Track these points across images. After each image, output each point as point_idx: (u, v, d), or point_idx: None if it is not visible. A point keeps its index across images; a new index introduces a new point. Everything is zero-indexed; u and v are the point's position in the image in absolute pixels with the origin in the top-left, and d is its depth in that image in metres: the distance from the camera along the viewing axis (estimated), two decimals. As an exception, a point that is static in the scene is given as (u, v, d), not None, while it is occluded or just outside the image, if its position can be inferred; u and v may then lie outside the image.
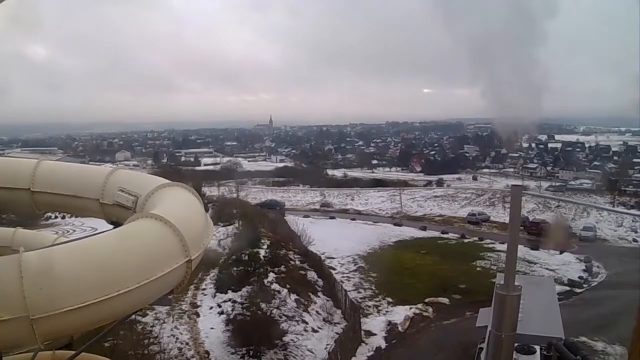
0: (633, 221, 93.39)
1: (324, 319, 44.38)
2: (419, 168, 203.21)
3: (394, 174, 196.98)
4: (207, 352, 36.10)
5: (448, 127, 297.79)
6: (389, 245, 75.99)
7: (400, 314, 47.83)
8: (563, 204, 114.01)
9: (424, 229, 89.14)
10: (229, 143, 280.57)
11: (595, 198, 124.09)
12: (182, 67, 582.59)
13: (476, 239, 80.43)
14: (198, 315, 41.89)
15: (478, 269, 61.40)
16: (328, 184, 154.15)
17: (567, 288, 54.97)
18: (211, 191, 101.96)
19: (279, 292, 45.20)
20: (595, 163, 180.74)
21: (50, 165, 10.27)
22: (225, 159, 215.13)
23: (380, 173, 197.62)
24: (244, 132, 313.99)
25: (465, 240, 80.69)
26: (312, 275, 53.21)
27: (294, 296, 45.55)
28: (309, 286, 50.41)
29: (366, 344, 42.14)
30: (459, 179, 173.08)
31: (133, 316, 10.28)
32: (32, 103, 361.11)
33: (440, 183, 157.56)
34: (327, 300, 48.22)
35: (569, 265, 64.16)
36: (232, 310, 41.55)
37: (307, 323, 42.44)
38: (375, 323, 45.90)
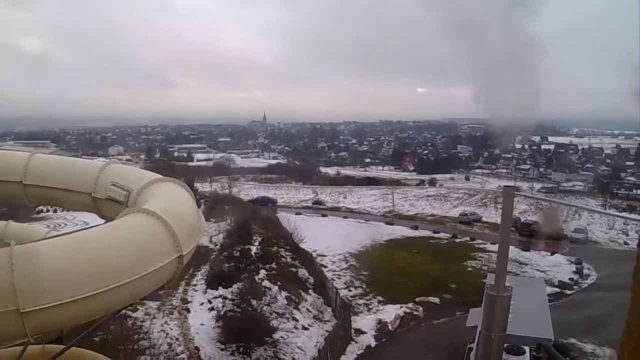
0: (624, 224, 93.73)
1: (314, 317, 44.40)
2: (411, 167, 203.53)
3: (387, 172, 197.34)
4: (197, 348, 36.06)
5: (441, 127, 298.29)
6: (380, 243, 76.03)
7: (391, 312, 47.87)
8: (555, 205, 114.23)
9: (415, 228, 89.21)
10: (222, 139, 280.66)
11: (587, 200, 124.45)
12: (177, 62, 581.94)
13: (468, 239, 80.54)
14: (188, 311, 41.87)
15: (469, 269, 61.51)
16: (321, 182, 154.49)
17: (558, 289, 55.04)
18: (203, 187, 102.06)
19: (269, 289, 45.21)
20: (588, 165, 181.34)
21: (43, 158, 10.24)
22: (218, 155, 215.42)
23: (373, 171, 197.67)
24: (237, 128, 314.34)
25: (457, 240, 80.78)
26: (303, 272, 53.25)
27: (284, 293, 45.57)
28: (300, 283, 50.46)
29: (356, 342, 42.14)
30: (452, 178, 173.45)
31: (123, 311, 10.26)
32: (26, 96, 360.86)
33: (432, 182, 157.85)
34: (318, 298, 48.27)
35: (560, 267, 64.30)
36: (223, 306, 41.54)
37: (297, 320, 42.45)
38: (365, 321, 45.91)
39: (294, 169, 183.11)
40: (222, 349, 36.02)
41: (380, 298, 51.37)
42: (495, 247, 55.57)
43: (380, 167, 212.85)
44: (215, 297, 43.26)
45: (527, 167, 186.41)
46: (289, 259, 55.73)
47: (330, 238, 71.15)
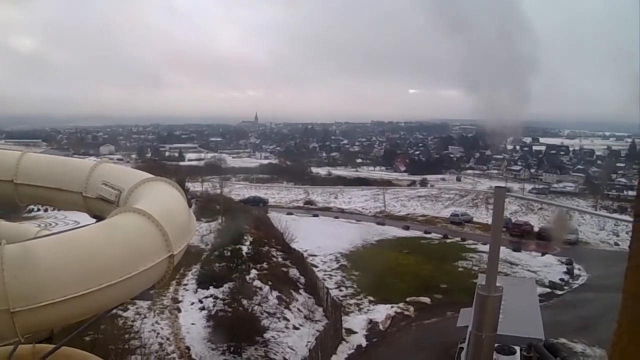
0: (615, 225, 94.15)
1: (305, 317, 44.43)
2: (403, 168, 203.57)
3: (378, 173, 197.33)
4: (188, 348, 36.03)
5: (433, 128, 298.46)
6: (371, 244, 76.19)
7: (382, 312, 47.95)
8: (546, 206, 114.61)
9: (406, 228, 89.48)
10: (213, 139, 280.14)
11: (578, 201, 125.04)
12: (169, 62, 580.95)
13: (459, 239, 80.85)
14: (179, 310, 41.83)
15: (460, 269, 61.73)
16: (312, 182, 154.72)
17: (548, 290, 55.27)
18: (195, 187, 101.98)
19: (260, 288, 45.22)
20: (579, 166, 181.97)
21: (34, 157, 10.20)
22: (210, 155, 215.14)
23: (365, 172, 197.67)
24: (229, 128, 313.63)
25: (448, 241, 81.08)
26: (294, 272, 53.29)
27: (275, 293, 45.58)
28: (291, 283, 50.50)
29: (347, 342, 42.19)
30: (443, 179, 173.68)
31: (114, 310, 10.22)
32: (17, 95, 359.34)
33: (424, 183, 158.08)
34: (309, 298, 48.32)
35: (551, 267, 64.57)
36: (214, 306, 41.54)
37: (288, 320, 42.47)
38: (356, 321, 45.96)
39: (285, 169, 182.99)
40: (212, 349, 36.01)
41: (371, 298, 51.44)
42: (486, 248, 55.89)
43: (372, 168, 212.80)
44: (206, 297, 43.25)
45: (518, 168, 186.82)
46: (280, 259, 55.77)
47: (321, 238, 71.23)
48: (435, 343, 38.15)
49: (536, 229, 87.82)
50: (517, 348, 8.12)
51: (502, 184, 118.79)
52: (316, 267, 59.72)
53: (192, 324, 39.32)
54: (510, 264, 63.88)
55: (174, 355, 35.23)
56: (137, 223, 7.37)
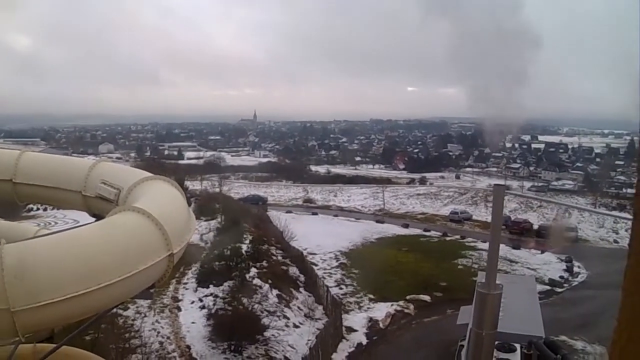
0: (614, 222, 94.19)
1: (305, 315, 44.45)
2: (402, 166, 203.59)
3: (377, 171, 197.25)
4: (189, 347, 36.03)
5: (432, 126, 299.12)
6: (371, 242, 76.25)
7: (382, 310, 47.99)
8: (545, 204, 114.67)
9: (406, 226, 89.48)
10: (212, 137, 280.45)
11: (577, 199, 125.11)
12: (168, 60, 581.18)
13: (458, 237, 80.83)
14: (179, 309, 41.81)
15: (459, 267, 61.75)
16: (311, 180, 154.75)
17: (548, 287, 55.36)
18: (194, 185, 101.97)
19: (260, 287, 45.20)
20: (578, 164, 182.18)
21: (33, 156, 10.19)
22: (209, 153, 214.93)
23: (364, 170, 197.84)
24: (228, 126, 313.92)
25: (447, 239, 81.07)
26: (294, 270, 53.26)
27: (275, 291, 45.58)
28: (291, 282, 50.47)
29: (347, 340, 42.23)
30: (442, 177, 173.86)
31: (114, 309, 10.23)
32: (16, 94, 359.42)
33: (423, 181, 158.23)
34: (309, 296, 48.32)
35: (550, 265, 64.61)
36: (214, 304, 41.52)
37: (288, 318, 42.49)
38: (356, 319, 46.00)
39: (284, 167, 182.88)
40: (213, 347, 36.02)
41: (371, 296, 51.47)
42: (485, 245, 55.99)
43: (371, 166, 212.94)
44: (206, 296, 43.23)
45: (517, 165, 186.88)
46: (279, 257, 55.71)
47: (320, 236, 71.26)
48: (436, 341, 38.15)
49: (535, 227, 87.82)
50: (517, 345, 8.11)
51: (501, 181, 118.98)
52: (316, 265, 59.74)
53: (193, 322, 39.31)
54: (509, 261, 63.93)
55: (175, 354, 35.22)
56: (136, 222, 7.36)
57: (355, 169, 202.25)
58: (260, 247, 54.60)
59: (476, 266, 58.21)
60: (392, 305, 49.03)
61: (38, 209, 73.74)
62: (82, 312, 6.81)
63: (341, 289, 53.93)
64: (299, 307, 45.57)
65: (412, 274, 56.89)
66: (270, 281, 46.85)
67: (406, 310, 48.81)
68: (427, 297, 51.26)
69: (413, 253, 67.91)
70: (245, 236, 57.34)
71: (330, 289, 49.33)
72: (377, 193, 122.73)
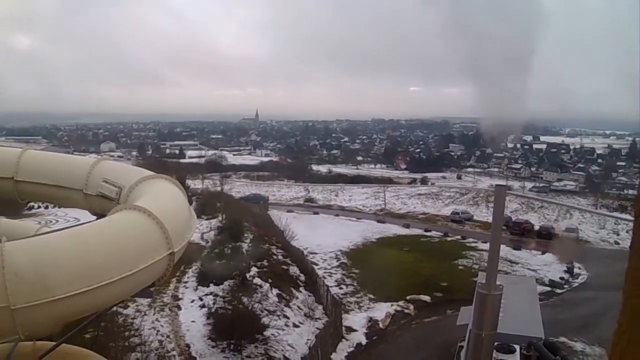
0: (615, 223, 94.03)
1: (305, 314, 44.42)
2: (403, 166, 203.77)
3: (379, 171, 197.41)
4: (188, 345, 36.00)
5: (433, 126, 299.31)
6: (372, 242, 76.20)
7: (382, 310, 47.97)
8: (546, 204, 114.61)
9: (407, 226, 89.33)
10: (214, 136, 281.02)
11: (578, 200, 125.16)
12: (170, 59, 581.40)
13: (459, 237, 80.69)
14: (179, 308, 41.76)
15: (460, 267, 61.68)
16: (312, 180, 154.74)
17: (549, 288, 55.30)
18: (195, 184, 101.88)
19: (260, 286, 45.17)
20: (580, 165, 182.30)
21: (34, 154, 10.22)
22: (210, 152, 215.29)
23: (365, 170, 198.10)
24: (229, 125, 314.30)
25: (448, 239, 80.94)
26: (294, 270, 53.21)
27: (275, 291, 45.54)
28: (291, 281, 50.43)
29: (347, 339, 42.20)
30: (444, 177, 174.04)
31: (115, 308, 10.26)
32: (18, 92, 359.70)
33: (424, 181, 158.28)
34: (309, 296, 48.28)
35: (551, 266, 64.54)
36: (214, 303, 41.49)
37: (288, 318, 42.46)
38: (356, 319, 45.99)
39: (285, 166, 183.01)
40: (213, 346, 36.00)
41: (371, 296, 51.45)
42: (486, 246, 55.94)
43: (372, 166, 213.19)
44: (206, 295, 43.19)
45: (518, 166, 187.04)
46: (280, 257, 55.67)
47: (321, 236, 71.28)
48: (435, 341, 38.13)
49: (536, 228, 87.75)
50: (517, 347, 8.11)
51: (502, 182, 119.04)
52: (316, 264, 59.68)
53: (192, 321, 39.27)
54: (510, 262, 63.89)
55: (174, 352, 35.19)
56: (137, 220, 7.38)
57: (357, 168, 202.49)
58: (261, 246, 54.57)
59: (477, 267, 58.18)
60: (392, 305, 49.01)
61: (39, 206, 73.66)
62: (83, 310, 6.83)
63: (341, 288, 53.92)
64: (299, 307, 45.54)
65: (413, 274, 56.80)
66: (270, 280, 46.81)
67: (406, 311, 48.80)
68: (427, 298, 51.23)
69: (414, 253, 67.84)
70: (246, 235, 57.33)
71: (330, 288, 49.32)
72: (378, 193, 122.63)
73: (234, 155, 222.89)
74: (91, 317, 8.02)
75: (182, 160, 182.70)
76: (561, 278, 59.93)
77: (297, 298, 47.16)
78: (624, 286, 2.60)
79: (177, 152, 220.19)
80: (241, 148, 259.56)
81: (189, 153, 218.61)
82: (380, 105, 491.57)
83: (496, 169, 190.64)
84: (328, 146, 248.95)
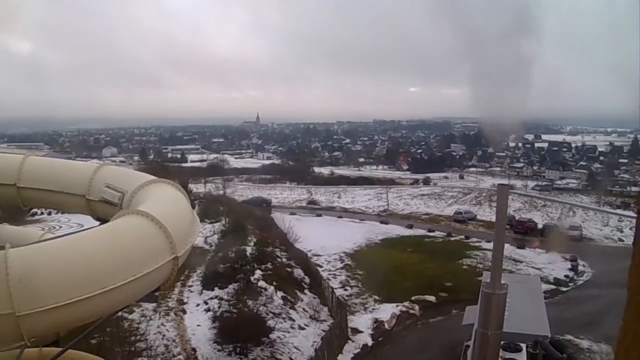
0: (619, 221, 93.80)
1: (310, 317, 44.39)
2: (405, 166, 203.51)
3: (381, 172, 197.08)
4: (194, 349, 36.02)
5: (435, 126, 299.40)
6: (375, 243, 76.07)
7: (387, 311, 47.90)
8: (549, 203, 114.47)
9: (410, 227, 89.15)
10: (215, 140, 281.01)
11: (581, 198, 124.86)
12: (170, 63, 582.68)
13: (462, 237, 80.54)
14: (185, 312, 41.78)
15: (464, 267, 61.60)
16: (315, 182, 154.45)
17: (553, 286, 55.21)
18: (198, 188, 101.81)
19: (265, 289, 45.15)
20: (582, 163, 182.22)
21: (36, 160, 10.23)
22: (212, 156, 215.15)
23: (367, 171, 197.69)
24: (230, 128, 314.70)
25: (452, 239, 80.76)
26: (298, 272, 53.18)
27: (280, 293, 45.52)
28: (296, 283, 50.40)
29: (353, 341, 42.17)
30: (446, 177, 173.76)
31: (120, 313, 10.24)
32: (19, 98, 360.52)
33: (427, 181, 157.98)
34: (314, 298, 48.25)
35: (555, 264, 64.37)
36: (219, 307, 41.49)
37: (293, 320, 42.43)
38: (361, 320, 45.93)
39: (287, 169, 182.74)
40: (219, 350, 36.01)
41: (376, 297, 51.37)
42: (490, 245, 55.86)
43: (374, 167, 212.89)
44: (211, 298, 43.21)
45: (521, 165, 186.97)
46: (284, 259, 55.65)
47: (325, 238, 71.18)
48: (441, 341, 38.04)
49: (540, 226, 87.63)
50: (523, 345, 8.12)
51: (505, 181, 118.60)
52: (320, 266, 59.60)
53: (198, 325, 39.29)
54: (514, 261, 63.70)
55: (180, 356, 35.20)
56: (141, 225, 7.38)
57: (359, 170, 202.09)
58: (264, 249, 54.54)
59: (481, 266, 58.09)
60: (397, 306, 48.96)
61: (42, 213, 73.75)
62: (88, 316, 6.83)
63: (346, 290, 53.86)
64: (304, 309, 45.51)
65: (417, 274, 56.76)
66: (275, 283, 46.80)
67: (411, 311, 48.75)
68: (432, 298, 51.17)
69: (417, 253, 67.75)
70: (249, 238, 57.33)
71: (335, 290, 49.28)
72: (381, 194, 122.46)
73: (235, 158, 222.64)
74: (96, 322, 8.03)
75: (184, 165, 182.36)
76: (566, 276, 59.79)
77: (302, 300, 47.14)
78: (628, 283, 2.60)
79: (178, 156, 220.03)
80: (243, 151, 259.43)
81: (191, 157, 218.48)
82: (381, 106, 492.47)
83: (498, 168, 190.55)
84: (330, 148, 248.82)
